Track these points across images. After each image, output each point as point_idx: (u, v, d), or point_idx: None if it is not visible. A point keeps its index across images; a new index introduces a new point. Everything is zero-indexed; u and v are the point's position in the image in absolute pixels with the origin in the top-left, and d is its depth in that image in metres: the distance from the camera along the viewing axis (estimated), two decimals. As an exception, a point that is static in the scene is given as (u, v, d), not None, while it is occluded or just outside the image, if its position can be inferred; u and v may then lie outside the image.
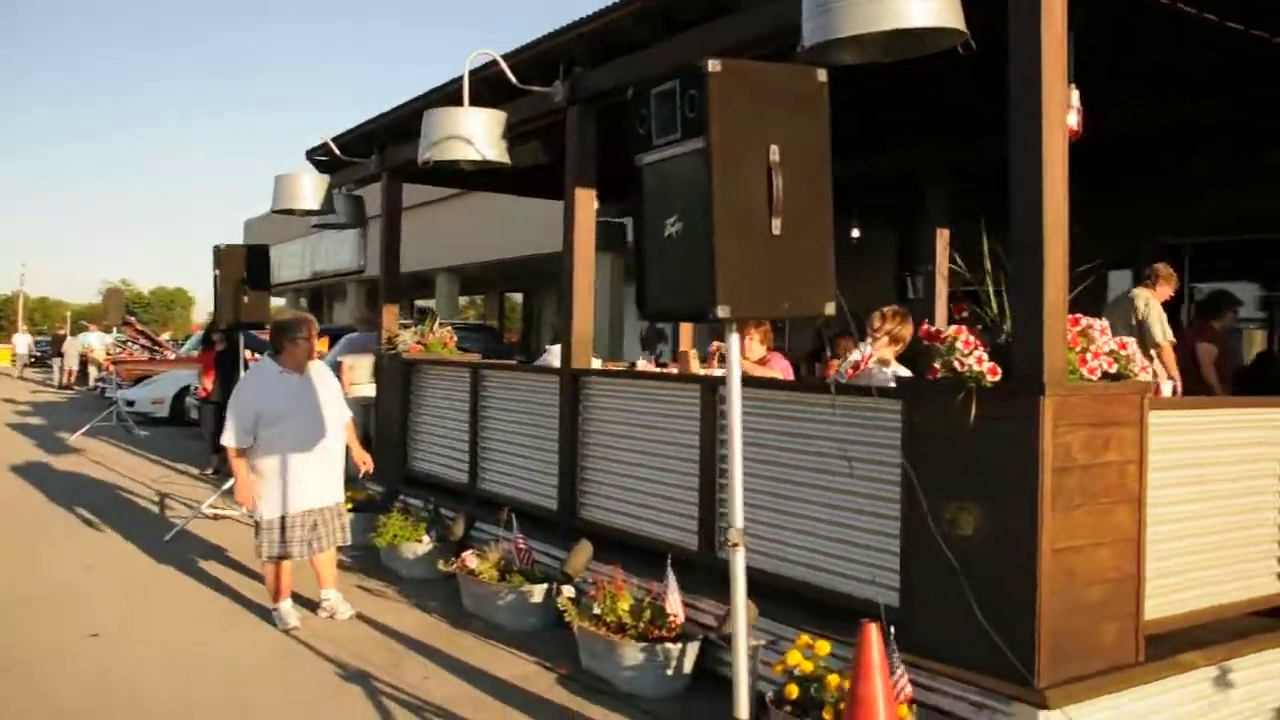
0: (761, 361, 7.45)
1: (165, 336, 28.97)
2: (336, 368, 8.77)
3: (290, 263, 32.85)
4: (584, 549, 5.94)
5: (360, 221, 10.11)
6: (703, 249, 2.98)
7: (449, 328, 9.00)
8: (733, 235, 2.96)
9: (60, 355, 30.12)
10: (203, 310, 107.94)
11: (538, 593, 6.11)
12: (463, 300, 29.64)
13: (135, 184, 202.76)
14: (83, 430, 15.77)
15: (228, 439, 6.05)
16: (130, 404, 17.27)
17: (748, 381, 5.96)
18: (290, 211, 8.78)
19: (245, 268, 8.37)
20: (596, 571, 5.94)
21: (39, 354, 47.50)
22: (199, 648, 5.70)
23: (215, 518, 9.03)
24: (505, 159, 6.08)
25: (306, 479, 6.11)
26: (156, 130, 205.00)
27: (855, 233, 11.60)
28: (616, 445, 6.27)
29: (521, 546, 6.35)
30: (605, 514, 6.35)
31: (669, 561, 5.22)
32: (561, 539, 6.50)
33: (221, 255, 8.34)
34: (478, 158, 5.94)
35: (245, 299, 8.34)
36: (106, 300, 16.56)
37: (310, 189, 8.43)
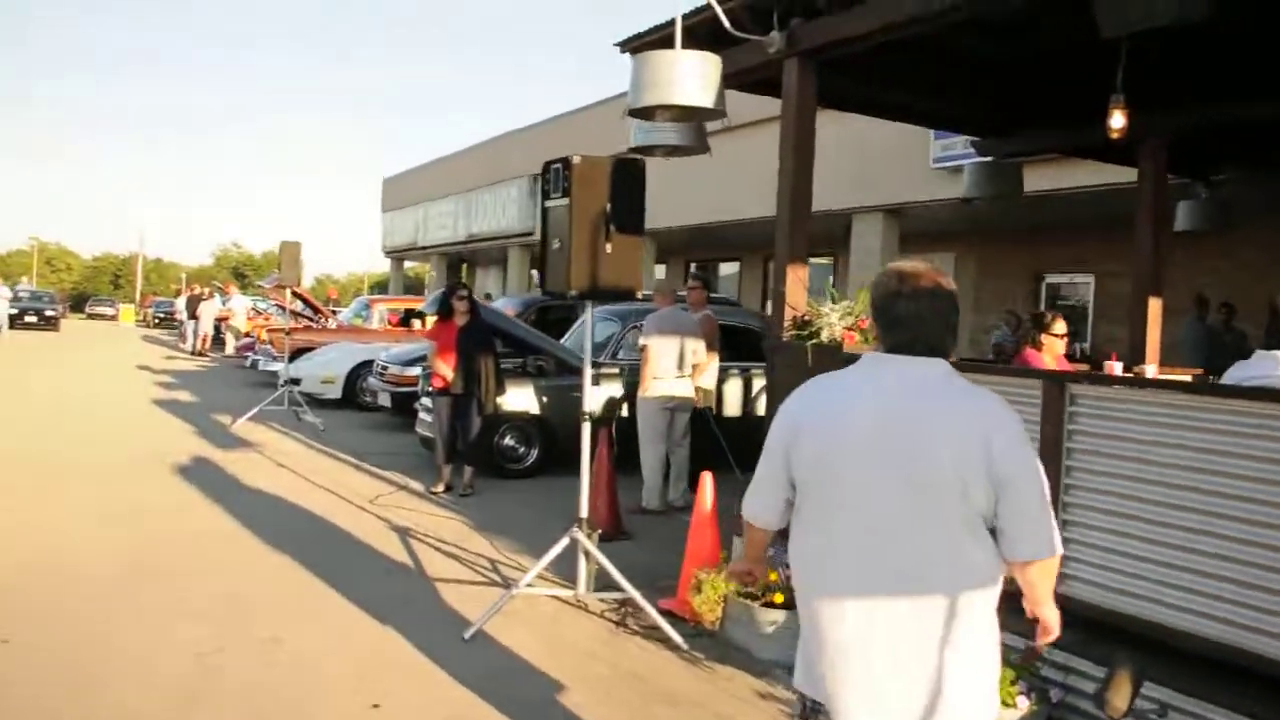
0: None
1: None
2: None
3: (439, 223, 30.00)
4: None
5: (702, 143, 6.77)
6: None
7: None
8: None
9: (195, 318, 27.62)
10: (308, 275, 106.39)
11: None
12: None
13: (246, 145, 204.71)
14: (248, 415, 12.85)
15: None
16: (295, 383, 14.28)
17: None
18: (649, 114, 5.46)
19: (610, 195, 5.01)
20: None
21: (169, 316, 45.80)
22: None
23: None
24: None
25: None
26: (270, 88, 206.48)
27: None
28: None
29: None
30: None
31: None
32: None
33: (572, 176, 4.97)
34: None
35: (608, 247, 5.00)
36: (283, 254, 13.45)
37: (697, 72, 5.08)
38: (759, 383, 10.54)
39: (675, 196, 16.45)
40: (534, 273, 28.60)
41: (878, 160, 13.83)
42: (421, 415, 10.29)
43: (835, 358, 5.34)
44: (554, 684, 4.58)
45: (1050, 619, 2.55)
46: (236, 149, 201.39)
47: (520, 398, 9.60)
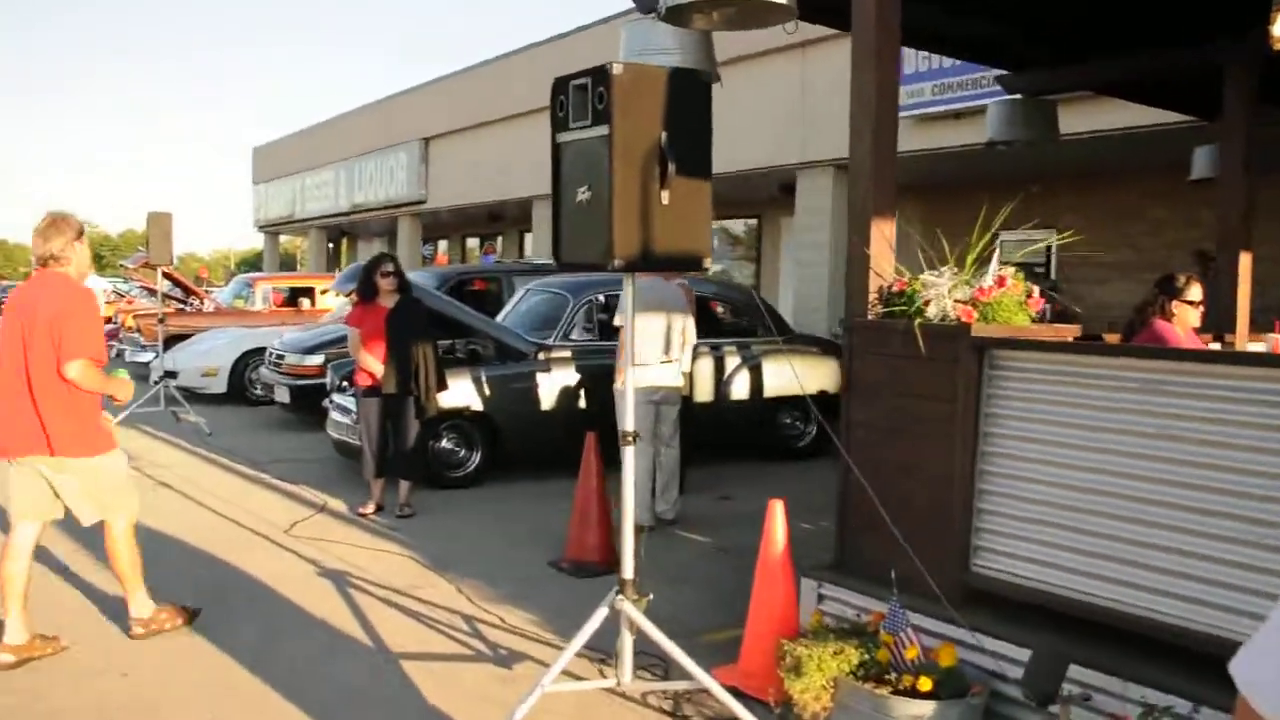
0: None
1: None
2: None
3: (318, 194, 27.66)
4: None
5: (710, 66, 5.29)
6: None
7: (1014, 269, 4.22)
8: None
9: (46, 304, 24.69)
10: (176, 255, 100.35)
11: None
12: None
13: (98, 119, 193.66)
14: (118, 419, 10.76)
15: None
16: (171, 376, 12.22)
17: None
18: (684, 18, 3.96)
19: (665, 122, 3.46)
20: None
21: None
22: None
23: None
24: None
25: None
26: (125, 60, 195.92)
27: None
28: None
29: None
30: None
31: None
32: None
33: (612, 93, 3.36)
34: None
35: (663, 196, 3.46)
36: (151, 227, 11.32)
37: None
38: (732, 362, 9.17)
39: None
40: (473, 242, 26.71)
41: (826, 110, 12.48)
42: (334, 416, 8.54)
43: (951, 336, 3.95)
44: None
45: None
46: (84, 117, 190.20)
47: (458, 391, 7.95)
